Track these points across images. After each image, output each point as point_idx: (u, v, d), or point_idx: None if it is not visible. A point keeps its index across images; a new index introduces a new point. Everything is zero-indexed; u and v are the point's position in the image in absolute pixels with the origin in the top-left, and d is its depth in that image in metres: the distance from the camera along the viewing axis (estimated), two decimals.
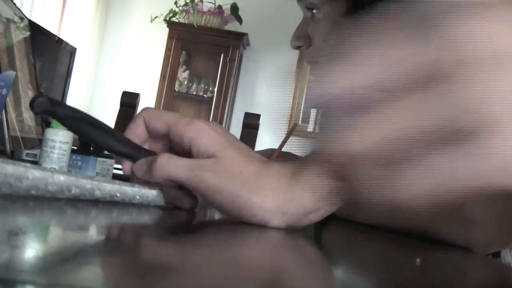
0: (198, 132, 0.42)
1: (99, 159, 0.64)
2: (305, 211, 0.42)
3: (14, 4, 0.93)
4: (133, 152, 0.43)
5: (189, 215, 0.45)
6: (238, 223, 0.42)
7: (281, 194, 0.42)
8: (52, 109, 0.38)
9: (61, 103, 0.39)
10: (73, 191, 0.36)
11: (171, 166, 0.41)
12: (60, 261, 0.21)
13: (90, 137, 0.41)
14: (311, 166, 0.42)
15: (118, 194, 0.39)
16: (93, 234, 0.29)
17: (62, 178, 0.36)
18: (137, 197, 0.41)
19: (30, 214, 0.31)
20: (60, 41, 2.55)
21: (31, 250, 0.21)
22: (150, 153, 0.43)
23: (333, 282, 0.28)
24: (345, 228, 0.62)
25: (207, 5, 3.54)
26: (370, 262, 0.38)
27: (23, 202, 0.32)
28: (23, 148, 0.80)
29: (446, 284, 0.33)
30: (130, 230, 0.34)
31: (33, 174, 0.34)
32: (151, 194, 0.42)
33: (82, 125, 0.41)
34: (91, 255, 0.23)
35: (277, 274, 0.27)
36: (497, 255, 0.68)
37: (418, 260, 0.37)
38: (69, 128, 0.41)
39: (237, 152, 0.42)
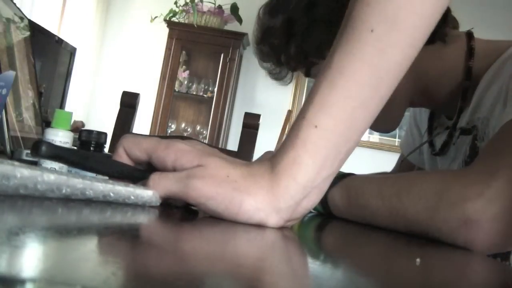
0: (178, 152, 0.43)
1: None
2: (295, 200, 0.43)
3: (14, 4, 0.93)
4: (131, 174, 0.45)
5: (186, 214, 0.45)
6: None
7: (269, 190, 0.42)
8: (56, 153, 0.40)
9: (59, 146, 0.42)
10: (63, 191, 0.36)
11: (162, 181, 0.42)
12: (59, 260, 0.21)
13: (92, 169, 0.45)
14: (286, 155, 0.43)
15: (111, 194, 0.39)
16: (89, 233, 0.29)
17: (52, 177, 0.35)
18: (132, 197, 0.40)
19: (19, 213, 0.31)
20: (60, 41, 2.55)
21: (27, 250, 0.21)
22: (147, 172, 0.44)
23: (333, 282, 0.28)
24: (345, 228, 0.62)
25: (207, 5, 3.54)
26: (370, 262, 0.38)
27: (11, 201, 0.32)
28: (23, 148, 0.80)
29: (446, 284, 0.33)
30: (126, 230, 0.34)
31: (21, 172, 0.33)
32: (146, 194, 0.41)
33: (80, 160, 0.43)
34: (90, 255, 0.23)
35: (267, 272, 0.27)
36: (506, 257, 0.68)
37: (418, 260, 0.37)
38: (70, 164, 0.45)
39: (220, 158, 0.44)
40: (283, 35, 0.78)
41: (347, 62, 0.43)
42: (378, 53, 0.43)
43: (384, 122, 0.81)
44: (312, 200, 0.44)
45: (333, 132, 0.43)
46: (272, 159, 0.44)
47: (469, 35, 0.77)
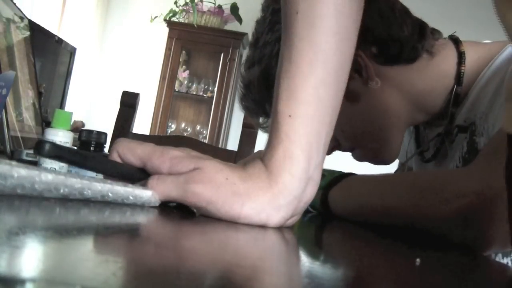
0: (173, 159, 0.43)
1: None
2: (294, 196, 0.43)
3: (14, 4, 0.93)
4: (131, 174, 0.45)
5: (186, 214, 0.45)
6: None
7: (268, 190, 0.42)
8: (59, 153, 0.40)
9: (62, 146, 0.42)
10: (61, 191, 0.35)
11: (160, 186, 0.42)
12: (59, 260, 0.21)
13: (93, 169, 0.46)
14: (276, 151, 0.44)
15: (110, 194, 0.39)
16: (88, 233, 0.29)
17: (50, 177, 0.34)
18: (131, 197, 0.40)
19: (16, 213, 0.31)
20: (60, 41, 2.55)
21: (27, 250, 0.21)
22: (146, 172, 0.44)
23: (333, 282, 0.28)
24: (345, 228, 0.62)
25: (207, 5, 3.54)
26: (370, 262, 0.38)
27: (8, 201, 0.32)
28: (23, 148, 0.80)
29: (446, 284, 0.33)
30: (126, 229, 0.34)
31: (18, 172, 0.33)
32: (145, 194, 0.41)
33: (82, 160, 0.43)
34: (90, 255, 0.23)
35: (267, 272, 0.27)
36: (507, 254, 0.68)
37: (418, 260, 0.37)
38: (72, 164, 0.46)
39: (217, 162, 0.44)
40: (262, 85, 0.79)
41: (292, 47, 0.45)
42: (311, 29, 0.45)
43: (384, 151, 0.78)
44: (309, 193, 0.45)
45: (306, 117, 0.44)
46: (263, 158, 0.44)
47: (455, 40, 0.76)
